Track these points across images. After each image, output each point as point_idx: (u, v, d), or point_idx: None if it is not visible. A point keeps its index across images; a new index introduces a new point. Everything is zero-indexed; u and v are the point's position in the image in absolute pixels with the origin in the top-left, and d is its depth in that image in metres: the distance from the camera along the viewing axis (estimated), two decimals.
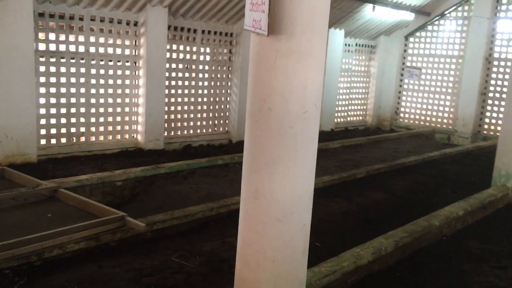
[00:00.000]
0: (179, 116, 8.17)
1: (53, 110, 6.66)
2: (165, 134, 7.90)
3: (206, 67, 8.37)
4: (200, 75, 8.30)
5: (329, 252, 4.08)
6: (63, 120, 6.79)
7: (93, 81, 6.96)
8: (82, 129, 6.98)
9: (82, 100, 6.91)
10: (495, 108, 10.52)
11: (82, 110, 6.92)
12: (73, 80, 6.76)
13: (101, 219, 3.92)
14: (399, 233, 4.28)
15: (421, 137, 10.96)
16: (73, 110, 6.84)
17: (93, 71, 6.93)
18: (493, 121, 10.57)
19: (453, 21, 11.11)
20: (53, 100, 6.65)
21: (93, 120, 7.06)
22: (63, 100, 6.74)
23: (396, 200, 5.98)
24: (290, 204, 2.73)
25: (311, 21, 2.55)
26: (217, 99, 8.66)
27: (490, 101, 10.61)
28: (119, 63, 7.20)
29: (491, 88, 10.57)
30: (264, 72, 2.64)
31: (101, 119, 7.17)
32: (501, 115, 9.70)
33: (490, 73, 10.56)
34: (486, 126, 10.72)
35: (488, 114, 10.67)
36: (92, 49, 6.89)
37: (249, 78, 2.75)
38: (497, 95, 10.45)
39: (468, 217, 5.25)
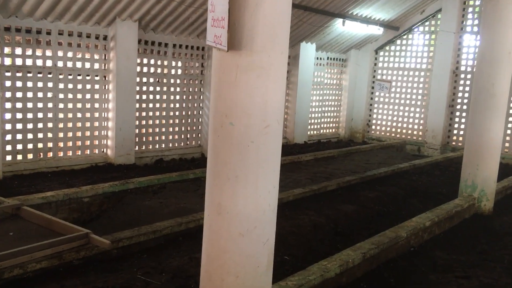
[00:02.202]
0: (150, 130, 8.10)
1: (19, 126, 6.53)
2: (136, 148, 7.82)
3: (178, 81, 8.36)
4: (172, 89, 8.27)
5: (298, 265, 4.09)
6: (30, 136, 6.66)
7: (61, 95, 6.86)
8: (50, 145, 6.86)
9: (50, 115, 6.79)
10: (463, 120, 10.78)
11: (50, 125, 6.81)
12: (40, 94, 6.65)
13: (64, 237, 3.84)
14: (367, 245, 4.32)
15: (392, 149, 11.14)
16: (40, 125, 6.71)
17: (61, 85, 6.84)
18: (461, 132, 10.83)
19: (421, 35, 11.41)
20: (19, 115, 6.52)
21: (61, 135, 6.95)
22: (29, 115, 6.62)
23: (366, 212, 6.03)
24: (253, 218, 2.72)
25: (271, 37, 2.58)
26: (189, 112, 8.64)
27: (457, 113, 10.88)
28: (88, 77, 7.12)
29: (459, 101, 10.85)
30: (226, 87, 2.66)
31: (70, 134, 7.06)
32: (467, 127, 9.94)
33: (457, 85, 10.84)
34: (454, 138, 10.98)
35: (456, 125, 10.93)
36: (60, 64, 6.80)
37: (211, 93, 2.76)
38: (464, 107, 10.72)
39: (435, 227, 5.34)
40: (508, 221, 5.99)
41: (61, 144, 6.97)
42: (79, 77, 7.02)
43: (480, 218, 6.07)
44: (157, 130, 8.19)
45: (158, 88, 8.07)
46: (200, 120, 8.84)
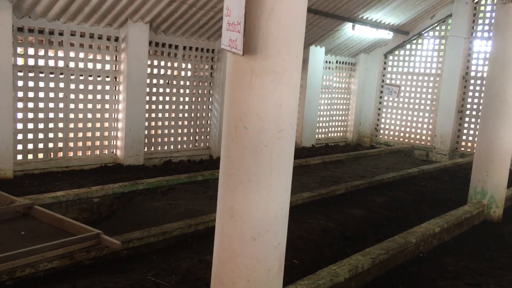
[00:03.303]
0: (159, 131, 8.14)
1: (30, 125, 6.59)
2: (145, 149, 7.86)
3: (188, 83, 8.39)
4: (181, 91, 8.31)
5: (306, 269, 4.09)
6: (41, 135, 6.71)
7: (72, 96, 6.91)
8: (60, 145, 6.91)
9: (61, 115, 6.85)
10: (472, 126, 10.73)
11: (61, 125, 6.86)
12: (51, 95, 6.71)
13: (76, 237, 3.86)
14: (376, 250, 4.31)
15: (400, 154, 11.10)
16: (51, 125, 6.77)
17: (72, 86, 6.89)
18: (470, 138, 10.78)
19: (430, 40, 11.38)
20: (30, 115, 6.57)
21: (71, 135, 7.00)
22: (41, 115, 6.67)
23: (375, 216, 6.01)
24: (265, 222, 2.73)
25: (286, 42, 2.59)
26: (198, 114, 8.67)
27: (467, 119, 10.83)
28: (99, 78, 7.17)
29: (468, 106, 10.80)
30: (240, 91, 2.67)
31: (80, 134, 7.11)
32: (477, 133, 9.90)
33: (467, 91, 10.80)
34: (463, 143, 10.93)
35: (465, 131, 10.88)
36: (72, 64, 6.86)
37: (225, 96, 2.77)
38: (474, 112, 10.68)
39: (444, 234, 5.32)
40: None
41: (71, 144, 7.02)
42: (90, 78, 7.07)
43: (489, 225, 6.04)
44: (166, 131, 8.22)
45: (167, 90, 8.11)
46: (209, 122, 8.86)
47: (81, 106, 7.04)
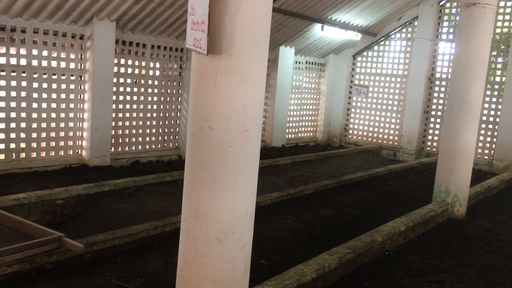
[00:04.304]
0: (127, 131, 8.00)
1: None
2: (112, 150, 7.71)
3: (156, 82, 8.28)
4: (150, 90, 8.19)
5: (274, 270, 4.09)
6: (2, 136, 6.49)
7: (35, 95, 6.71)
8: (23, 145, 6.70)
9: (23, 114, 6.64)
10: (437, 126, 10.98)
11: (23, 125, 6.65)
12: (13, 94, 6.49)
13: (36, 240, 3.74)
14: (343, 249, 4.34)
15: (369, 153, 11.27)
16: (13, 125, 6.55)
17: (35, 84, 6.69)
18: (436, 138, 11.03)
19: (397, 42, 11.59)
20: None
21: (34, 135, 6.79)
22: (1, 115, 6.45)
23: (343, 216, 6.08)
24: (230, 223, 2.71)
25: (251, 42, 2.58)
26: (167, 114, 8.57)
27: (432, 119, 11.08)
28: (63, 77, 6.99)
29: (433, 107, 11.05)
30: (205, 91, 2.64)
31: (43, 135, 6.91)
32: (442, 132, 10.15)
33: (432, 92, 11.04)
34: (429, 143, 11.17)
35: (431, 131, 11.13)
36: (35, 62, 6.66)
37: (190, 96, 2.74)
38: (439, 113, 10.93)
39: (410, 232, 5.41)
40: (480, 226, 6.12)
41: (34, 145, 6.81)
42: (54, 77, 6.88)
43: (453, 223, 6.18)
44: (133, 131, 8.09)
45: (135, 89, 7.98)
46: (178, 122, 8.77)
47: (44, 105, 6.84)
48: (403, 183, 8.29)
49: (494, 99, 10.22)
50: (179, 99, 8.70)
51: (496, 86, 10.23)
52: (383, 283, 4.20)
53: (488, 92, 10.13)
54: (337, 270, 4.14)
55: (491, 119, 10.22)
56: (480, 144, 10.25)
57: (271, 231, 5.09)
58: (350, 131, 12.34)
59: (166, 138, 8.64)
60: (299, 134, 11.95)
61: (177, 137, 8.82)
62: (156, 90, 8.27)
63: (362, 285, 4.13)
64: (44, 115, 6.87)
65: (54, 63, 6.87)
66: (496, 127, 10.11)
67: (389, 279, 4.29)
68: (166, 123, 8.57)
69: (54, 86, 6.90)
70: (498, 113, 10.09)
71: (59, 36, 6.85)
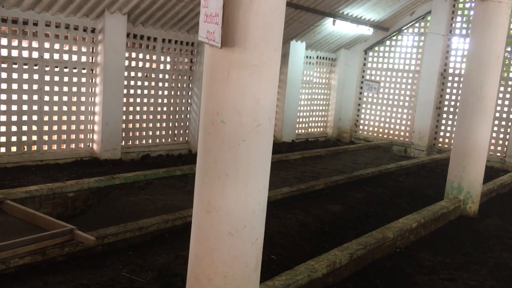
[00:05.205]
0: (137, 125, 8.01)
1: (3, 118, 6.40)
2: (123, 143, 7.73)
3: (166, 76, 8.27)
4: (160, 84, 8.19)
5: (285, 265, 4.07)
6: (14, 128, 6.53)
7: (46, 88, 6.74)
8: (34, 138, 6.74)
9: (35, 107, 6.67)
10: (449, 122, 10.87)
11: (35, 117, 6.69)
12: (25, 86, 6.53)
13: (48, 233, 3.76)
14: (354, 245, 4.31)
15: (379, 149, 11.19)
16: (24, 117, 6.59)
17: (47, 77, 6.72)
18: (448, 134, 10.92)
19: (410, 37, 11.46)
20: (3, 107, 6.39)
21: (46, 128, 6.83)
22: (14, 108, 6.49)
23: (353, 212, 6.04)
24: (242, 218, 2.69)
25: (264, 35, 2.55)
26: (177, 108, 8.57)
27: (444, 115, 10.96)
28: (75, 70, 7.01)
29: (446, 103, 10.93)
30: (218, 84, 2.61)
31: (55, 128, 6.94)
32: (454, 129, 10.05)
33: (444, 88, 10.92)
34: (441, 139, 11.06)
35: (442, 127, 11.01)
36: (47, 56, 6.68)
37: (202, 90, 2.72)
38: (451, 109, 10.81)
39: (421, 229, 5.37)
40: (492, 224, 6.05)
41: (46, 138, 6.85)
42: (66, 70, 6.91)
43: (465, 220, 6.12)
44: (144, 125, 8.10)
45: (146, 83, 7.98)
46: (188, 116, 8.77)
47: (56, 98, 6.87)
48: (414, 180, 8.23)
49: (507, 95, 10.08)
50: (190, 93, 8.69)
51: (510, 82, 10.09)
52: (394, 280, 4.17)
53: (502, 88, 9.99)
54: (348, 266, 4.12)
55: (504, 115, 10.09)
56: (493, 141, 10.12)
57: (281, 226, 5.08)
58: (361, 127, 12.26)
59: (176, 132, 8.65)
60: (309, 130, 11.90)
61: (187, 131, 8.82)
62: (166, 84, 8.27)
63: (373, 282, 4.10)
64: (55, 108, 6.90)
65: (65, 56, 6.89)
66: (509, 123, 9.98)
67: (400, 276, 4.26)
68: (177, 117, 8.57)
69: (66, 79, 6.92)
70: (511, 109, 9.95)
71: (71, 29, 6.87)
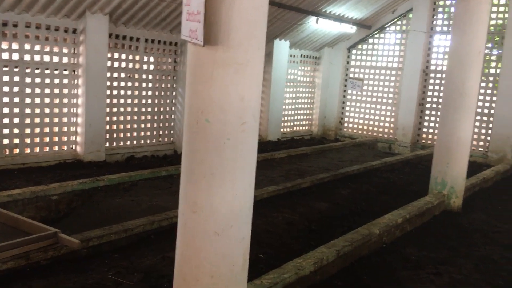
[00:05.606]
0: (121, 126, 7.94)
1: None
2: (107, 145, 7.65)
3: (150, 77, 8.21)
4: (144, 85, 8.12)
5: (272, 263, 4.07)
6: None
7: (28, 90, 6.64)
8: (16, 141, 6.63)
9: (16, 110, 6.57)
10: (432, 118, 10.99)
11: (16, 120, 6.58)
12: (6, 89, 6.42)
13: (32, 237, 3.70)
14: (341, 242, 4.33)
15: (364, 146, 11.27)
16: (6, 120, 6.48)
17: (28, 79, 6.62)
18: (431, 130, 11.04)
19: (392, 35, 11.56)
20: None
21: (27, 131, 6.72)
22: None
23: (339, 209, 6.07)
24: (229, 217, 2.68)
25: (248, 33, 2.54)
26: (162, 109, 8.51)
27: (427, 112, 11.08)
28: (56, 72, 6.91)
29: (428, 99, 11.05)
30: (202, 83, 2.60)
31: (37, 130, 6.84)
32: (437, 125, 10.16)
33: (427, 84, 11.04)
34: (424, 135, 11.18)
35: (426, 124, 11.13)
36: (27, 57, 6.58)
37: (186, 88, 2.70)
38: (434, 105, 10.94)
39: (407, 224, 5.41)
40: (476, 218, 6.13)
41: (28, 140, 6.75)
42: (47, 71, 6.81)
43: (449, 215, 6.19)
44: (128, 126, 8.03)
45: (129, 84, 7.91)
46: (172, 117, 8.72)
47: (37, 100, 6.76)
48: (399, 176, 8.30)
49: (489, 91, 10.22)
50: (174, 94, 8.64)
51: (491, 78, 10.24)
52: (381, 276, 4.19)
53: (483, 84, 10.13)
54: (335, 263, 4.13)
55: (486, 111, 10.23)
56: (475, 136, 10.26)
57: (268, 225, 5.08)
58: (345, 124, 12.33)
59: (161, 132, 8.59)
60: (295, 128, 11.92)
61: (172, 131, 8.76)
62: (150, 85, 8.21)
63: (360, 278, 4.12)
64: (37, 110, 6.80)
65: (47, 58, 6.79)
66: (491, 119, 10.12)
67: (387, 272, 4.29)
68: (161, 117, 8.52)
69: (47, 81, 6.82)
70: (493, 105, 10.10)
71: (52, 30, 6.77)
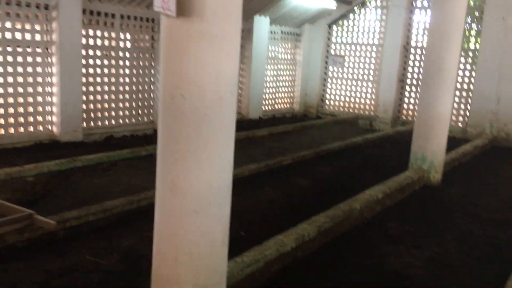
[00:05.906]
0: (99, 105, 7.76)
1: None
2: (84, 125, 7.48)
3: (127, 54, 8.01)
4: (121, 63, 7.93)
5: (254, 241, 4.04)
6: None
7: (0, 69, 6.41)
8: None
9: None
10: (413, 94, 11.03)
11: None
12: None
13: (5, 218, 3.59)
14: (322, 218, 4.32)
15: (346, 123, 11.28)
16: None
17: (0, 58, 6.38)
18: (411, 106, 11.09)
19: (373, 10, 11.48)
20: None
21: (1, 111, 6.52)
22: None
23: (321, 186, 6.07)
24: (207, 195, 2.62)
25: (223, 3, 2.44)
26: (140, 87, 8.33)
27: (408, 88, 11.11)
28: (29, 50, 6.68)
29: (409, 75, 11.06)
30: (176, 57, 2.50)
31: (11, 110, 6.64)
32: (418, 101, 10.20)
33: (407, 61, 11.04)
34: (404, 112, 11.23)
35: (406, 100, 11.17)
36: None
37: (161, 63, 2.60)
38: (414, 81, 10.97)
39: (387, 199, 5.44)
40: (455, 192, 6.20)
41: (1, 121, 6.55)
42: (19, 49, 6.58)
43: (429, 190, 6.24)
44: (106, 105, 7.85)
45: (106, 62, 7.70)
46: (151, 95, 8.55)
47: (10, 80, 6.55)
48: (380, 152, 8.34)
49: (468, 66, 10.28)
50: (152, 72, 8.47)
51: (470, 54, 10.28)
52: (362, 251, 4.21)
53: (462, 60, 10.17)
54: (316, 239, 4.13)
55: (465, 86, 10.30)
56: (455, 112, 10.35)
57: (249, 203, 5.05)
58: (327, 102, 12.30)
59: (140, 112, 8.43)
60: (276, 106, 11.85)
61: (151, 110, 8.62)
62: (127, 63, 8.02)
63: (342, 253, 4.13)
64: (10, 90, 6.59)
65: (18, 35, 6.55)
66: (470, 94, 10.20)
67: (369, 247, 4.31)
68: (140, 96, 8.35)
69: (20, 59, 6.60)
70: (472, 80, 10.17)
71: (23, 7, 6.52)
